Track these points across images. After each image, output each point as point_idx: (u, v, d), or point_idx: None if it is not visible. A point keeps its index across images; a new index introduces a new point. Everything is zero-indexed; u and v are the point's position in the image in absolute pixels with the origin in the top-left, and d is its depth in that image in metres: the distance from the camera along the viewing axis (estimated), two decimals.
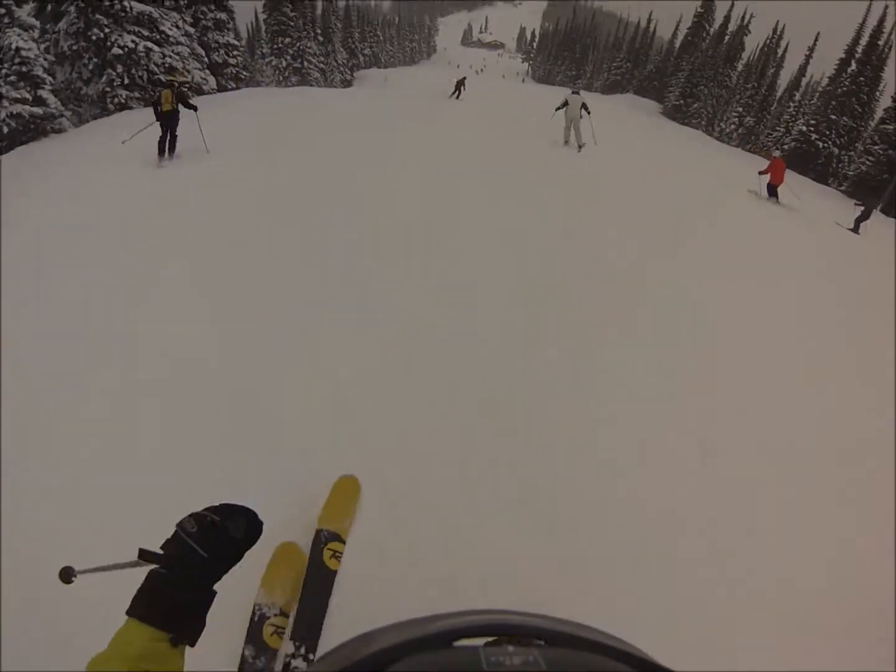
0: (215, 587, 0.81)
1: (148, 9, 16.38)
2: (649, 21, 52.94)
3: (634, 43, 53.72)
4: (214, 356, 4.19)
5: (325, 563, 2.39)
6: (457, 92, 23.29)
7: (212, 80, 20.50)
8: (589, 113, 12.55)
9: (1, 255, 5.67)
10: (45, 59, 14.04)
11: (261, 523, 0.86)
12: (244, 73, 24.92)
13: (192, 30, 20.00)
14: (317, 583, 2.35)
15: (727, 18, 41.44)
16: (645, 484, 3.44)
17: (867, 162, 23.88)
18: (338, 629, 2.30)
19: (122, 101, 16.38)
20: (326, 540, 2.45)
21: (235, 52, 23.69)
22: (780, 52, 39.64)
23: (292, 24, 33.14)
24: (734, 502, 3.43)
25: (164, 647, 0.72)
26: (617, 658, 0.48)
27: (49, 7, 15.98)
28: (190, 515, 0.81)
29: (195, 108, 9.16)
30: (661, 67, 51.24)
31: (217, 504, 0.85)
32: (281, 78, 33.77)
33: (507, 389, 4.08)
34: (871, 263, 10.43)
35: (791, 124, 33.12)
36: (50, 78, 14.08)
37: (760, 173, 13.95)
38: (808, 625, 2.73)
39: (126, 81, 16.33)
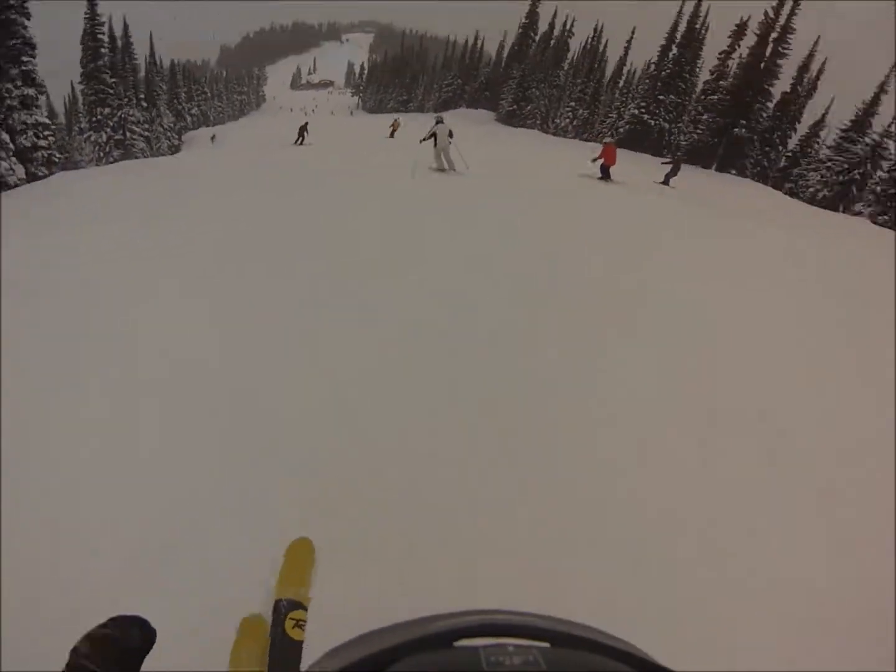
0: None
1: None
2: (476, 38, 54.80)
3: (464, 60, 55.31)
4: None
5: (288, 635, 2.10)
6: (300, 138, 23.45)
7: (19, 170, 18.11)
8: (452, 138, 13.04)
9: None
10: None
11: (154, 630, 0.82)
12: (58, 155, 22.22)
13: None
14: (282, 657, 2.03)
15: (552, 25, 43.95)
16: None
17: (698, 131, 25.58)
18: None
19: None
20: (287, 610, 2.19)
21: (47, 133, 20.63)
22: (600, 48, 42.40)
23: (112, 91, 30.57)
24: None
25: None
26: (617, 658, 0.48)
27: None
28: (84, 636, 0.76)
29: None
30: (490, 79, 53.17)
31: (108, 618, 0.80)
32: (101, 154, 31.00)
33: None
34: (676, 196, 15.29)
35: (622, 109, 35.09)
36: None
37: (594, 160, 15.61)
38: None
39: None
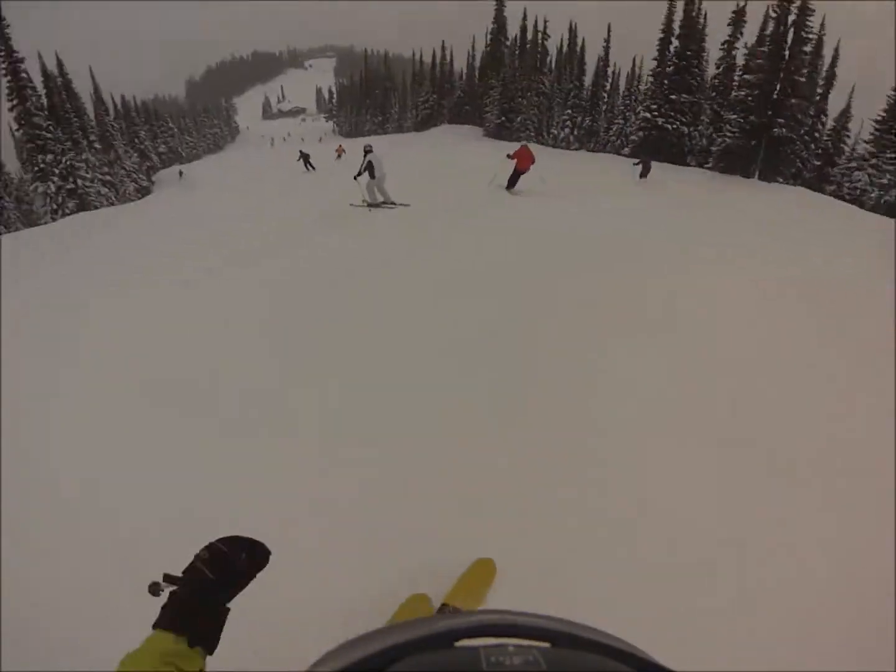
0: (229, 605, 0.98)
1: None
2: (443, 49, 51.99)
3: (435, 73, 52.50)
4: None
5: None
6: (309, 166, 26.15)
7: None
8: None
9: None
10: None
11: (268, 552, 1.03)
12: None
13: None
14: None
15: (523, 28, 40.99)
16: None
17: (728, 134, 22.63)
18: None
19: None
20: None
21: None
22: (577, 49, 39.44)
23: (50, 136, 27.22)
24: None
25: (183, 647, 0.88)
26: (617, 658, 0.49)
27: None
28: (206, 545, 0.98)
29: None
30: (467, 91, 50.59)
31: (230, 536, 1.01)
32: (55, 206, 27.62)
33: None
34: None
35: (628, 114, 32.31)
36: None
37: (509, 156, 13.72)
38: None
39: None
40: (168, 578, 0.94)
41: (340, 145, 33.41)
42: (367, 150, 12.02)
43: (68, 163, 27.98)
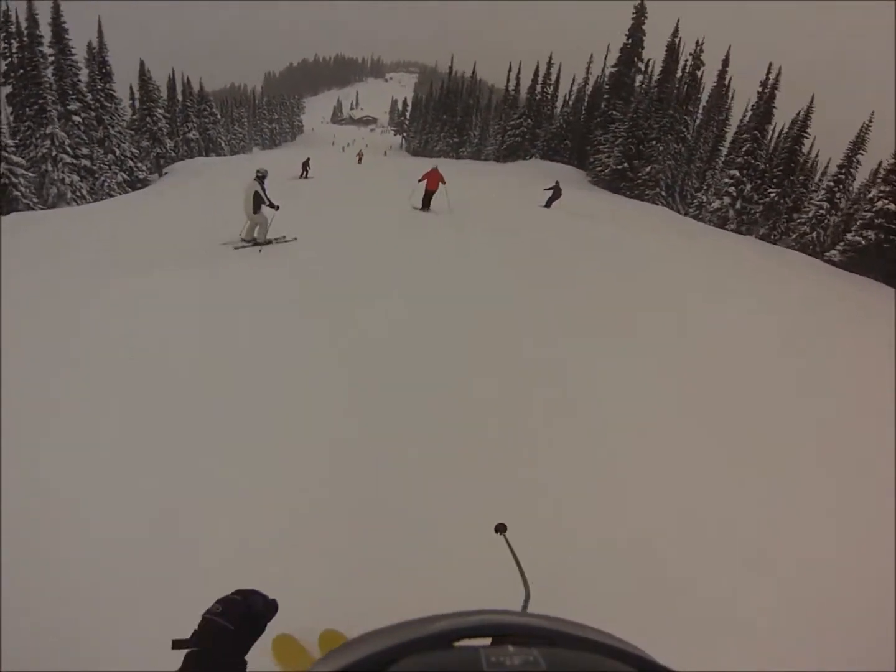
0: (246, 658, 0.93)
1: None
2: (549, 64, 41.39)
3: (534, 94, 42.00)
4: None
5: None
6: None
7: None
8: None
9: None
10: None
11: (274, 601, 0.98)
12: None
13: None
14: None
15: (671, 48, 30.12)
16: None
17: None
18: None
19: None
20: None
21: None
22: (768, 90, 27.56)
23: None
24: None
25: None
26: (617, 658, 0.49)
27: None
28: (216, 602, 0.92)
29: None
30: (572, 122, 40.21)
31: (234, 591, 0.96)
32: None
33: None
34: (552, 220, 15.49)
35: (838, 196, 21.15)
36: None
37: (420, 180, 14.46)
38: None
39: None
40: (179, 644, 0.88)
41: (361, 151, 39.47)
42: (258, 175, 9.96)
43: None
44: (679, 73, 30.11)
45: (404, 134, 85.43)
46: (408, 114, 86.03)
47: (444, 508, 3.54)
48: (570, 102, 42.01)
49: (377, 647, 0.49)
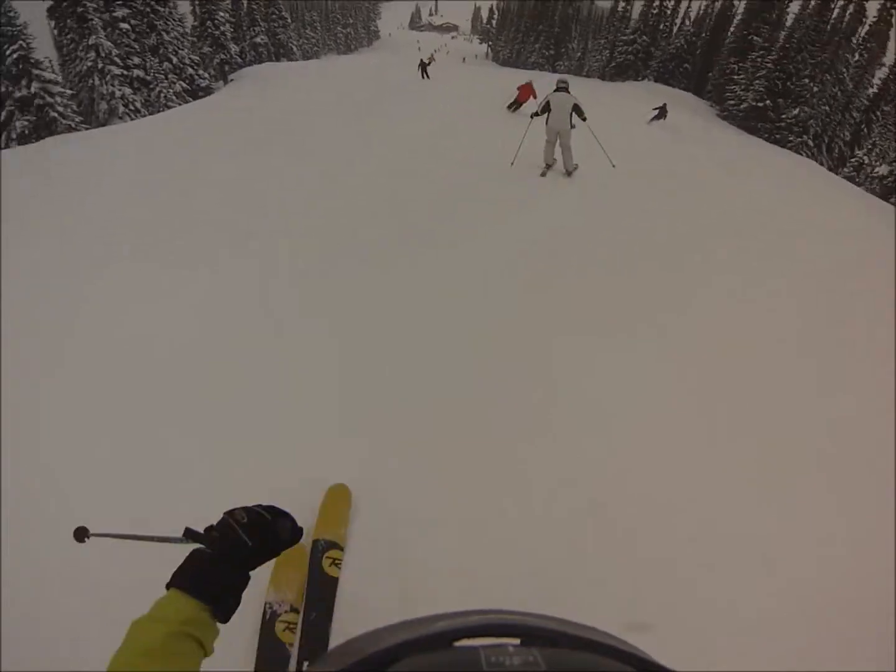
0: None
1: None
2: None
3: (651, 7, 35.38)
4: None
5: (325, 572, 2.40)
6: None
7: None
8: (585, 119, 8.12)
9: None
10: None
11: (301, 529, 0.94)
12: None
13: None
14: (319, 591, 2.35)
15: None
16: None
17: None
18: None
19: None
20: (324, 549, 2.45)
21: None
22: None
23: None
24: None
25: (205, 617, 0.78)
26: (617, 658, 0.49)
27: None
28: (243, 508, 0.88)
29: None
30: (695, 44, 33.88)
31: (266, 504, 0.92)
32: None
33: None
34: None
35: None
36: None
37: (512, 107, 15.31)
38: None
39: None
40: (191, 534, 0.85)
41: (432, 54, 34.33)
42: (559, 86, 8.32)
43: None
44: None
45: (490, 42, 78.02)
46: (494, 22, 78.25)
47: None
48: (694, 21, 35.38)
49: (378, 647, 0.49)
